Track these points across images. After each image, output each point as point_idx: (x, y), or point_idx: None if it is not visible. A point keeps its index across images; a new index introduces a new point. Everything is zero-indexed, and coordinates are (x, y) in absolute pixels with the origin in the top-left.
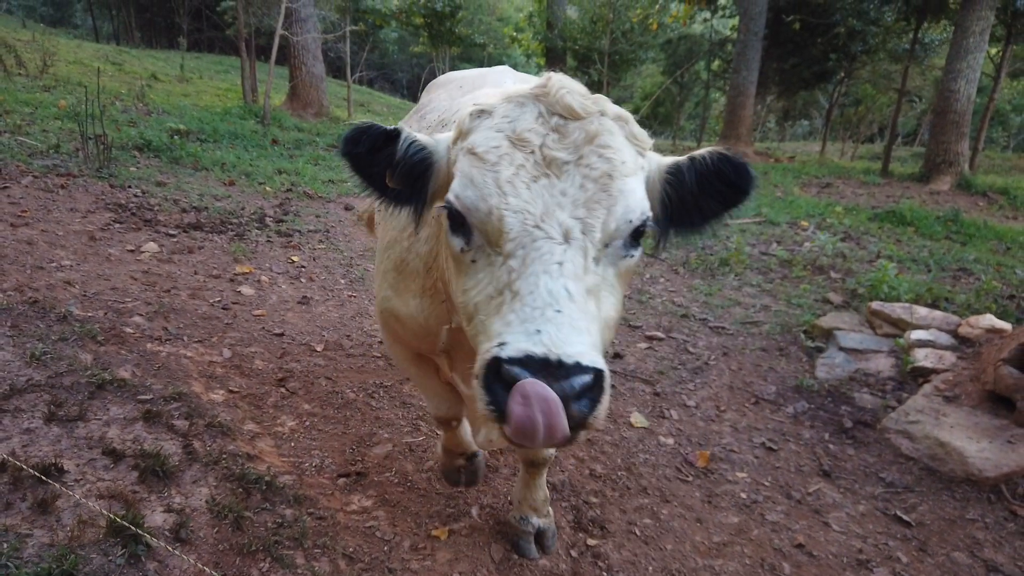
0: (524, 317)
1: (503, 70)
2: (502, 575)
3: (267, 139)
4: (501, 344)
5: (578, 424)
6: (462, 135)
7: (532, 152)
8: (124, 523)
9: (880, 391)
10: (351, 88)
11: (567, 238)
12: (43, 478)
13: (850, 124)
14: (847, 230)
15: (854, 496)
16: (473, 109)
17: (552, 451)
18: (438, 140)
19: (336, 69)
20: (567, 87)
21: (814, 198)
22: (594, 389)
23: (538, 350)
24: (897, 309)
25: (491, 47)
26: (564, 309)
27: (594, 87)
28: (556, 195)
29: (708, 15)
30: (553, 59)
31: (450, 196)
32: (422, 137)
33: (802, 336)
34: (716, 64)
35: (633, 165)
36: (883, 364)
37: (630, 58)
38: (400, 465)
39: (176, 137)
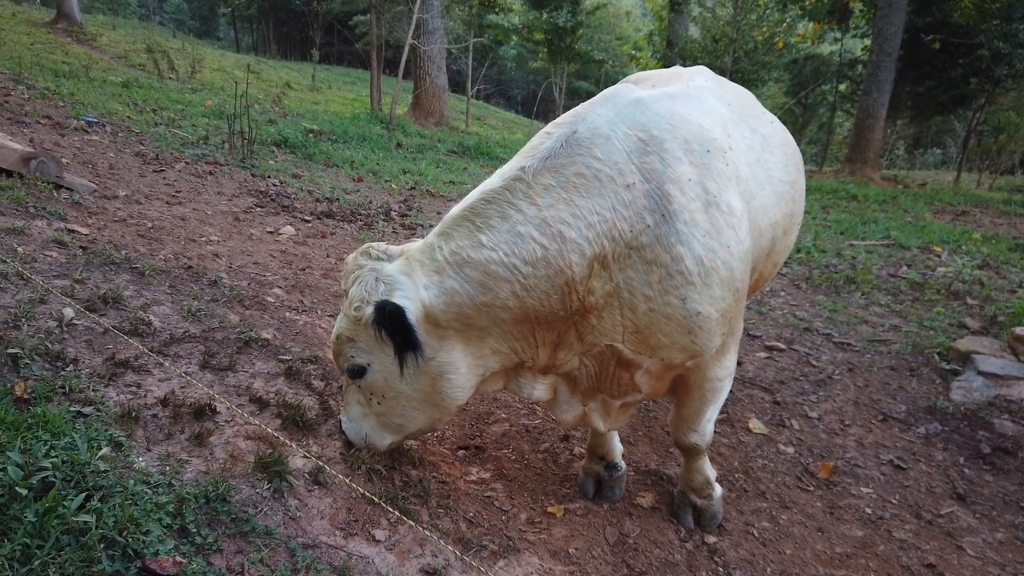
0: None
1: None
2: (617, 556)
3: (392, 143)
4: None
5: None
6: None
7: None
8: (272, 458)
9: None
10: (470, 101)
11: None
12: (214, 402)
13: (989, 153)
14: (985, 258)
15: (991, 523)
16: None
17: (703, 442)
18: None
19: (455, 84)
20: None
21: (948, 224)
22: None
23: None
24: None
25: (609, 64)
26: None
27: None
28: None
29: (839, 34)
30: None
31: None
32: None
33: (936, 358)
34: (844, 86)
35: None
36: None
37: (752, 78)
38: (517, 444)
39: (311, 136)
